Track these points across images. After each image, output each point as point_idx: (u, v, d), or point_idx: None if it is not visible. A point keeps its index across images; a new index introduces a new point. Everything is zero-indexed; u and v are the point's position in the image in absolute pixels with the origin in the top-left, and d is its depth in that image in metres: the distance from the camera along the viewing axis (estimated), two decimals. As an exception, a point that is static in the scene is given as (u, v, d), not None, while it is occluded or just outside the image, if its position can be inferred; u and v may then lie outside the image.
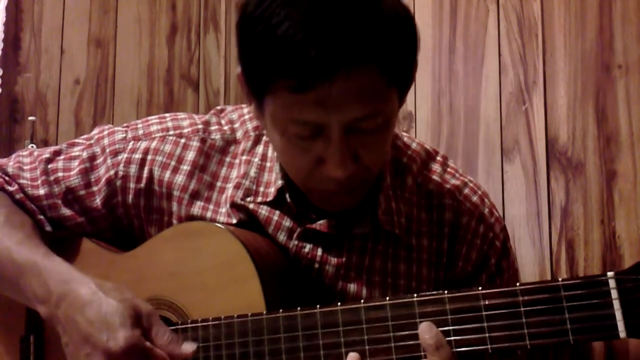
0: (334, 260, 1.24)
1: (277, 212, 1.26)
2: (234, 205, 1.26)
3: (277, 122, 1.11)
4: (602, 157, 1.82)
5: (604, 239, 1.77)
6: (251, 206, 1.25)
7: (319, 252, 1.25)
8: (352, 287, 1.24)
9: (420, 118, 2.19)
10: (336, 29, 1.01)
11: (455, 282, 1.25)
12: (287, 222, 1.25)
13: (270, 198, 1.25)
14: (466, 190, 1.30)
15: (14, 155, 1.41)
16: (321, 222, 1.24)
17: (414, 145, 1.33)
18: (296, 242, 1.25)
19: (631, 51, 1.80)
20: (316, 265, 1.24)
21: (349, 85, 1.03)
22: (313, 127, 1.08)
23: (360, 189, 1.19)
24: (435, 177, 1.30)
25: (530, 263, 1.89)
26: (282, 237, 1.25)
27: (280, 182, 1.24)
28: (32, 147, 2.39)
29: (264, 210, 1.25)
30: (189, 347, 1.13)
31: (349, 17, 1.02)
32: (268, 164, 1.28)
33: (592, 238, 1.79)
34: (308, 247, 1.25)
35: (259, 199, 1.26)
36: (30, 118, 2.42)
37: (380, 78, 1.06)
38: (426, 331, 0.99)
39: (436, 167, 1.32)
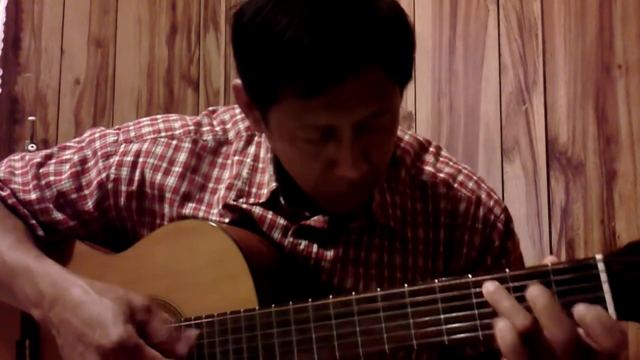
0: (329, 255, 1.24)
1: (271, 211, 1.25)
2: (226, 206, 1.26)
3: (285, 131, 1.11)
4: (602, 157, 1.82)
5: (604, 239, 1.77)
6: (244, 206, 1.25)
7: (315, 248, 1.24)
8: (349, 281, 1.23)
9: (420, 118, 2.19)
10: (341, 32, 1.02)
11: (462, 271, 1.24)
12: (281, 220, 1.25)
13: (263, 199, 1.25)
14: (460, 177, 1.29)
15: (5, 160, 1.40)
16: (316, 218, 1.23)
17: (406, 138, 1.32)
18: (291, 240, 1.24)
19: (631, 51, 1.80)
20: (312, 262, 1.24)
21: (358, 85, 1.03)
22: (324, 130, 1.08)
23: (369, 188, 1.19)
24: (428, 168, 1.30)
25: (530, 263, 1.88)
26: (276, 234, 1.25)
27: (274, 185, 1.23)
28: (32, 147, 2.39)
29: (257, 210, 1.25)
30: (191, 333, 1.13)
31: (350, 20, 1.03)
32: (260, 165, 1.28)
33: (592, 238, 1.79)
34: (303, 244, 1.24)
35: (252, 200, 1.25)
36: (30, 118, 2.43)
37: (386, 76, 1.07)
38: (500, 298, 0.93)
39: (429, 157, 1.31)
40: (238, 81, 1.14)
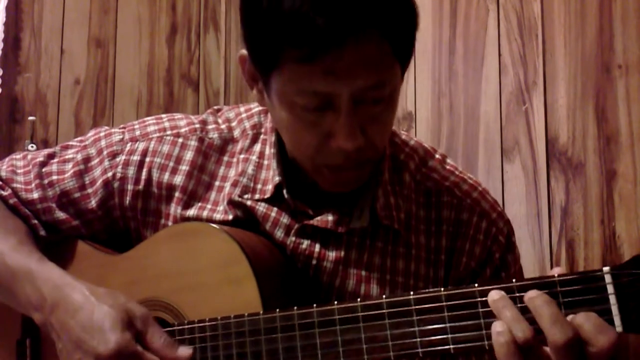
0: (332, 256, 1.24)
1: (275, 208, 1.25)
2: (231, 202, 1.26)
3: (284, 97, 1.12)
4: (602, 157, 1.82)
5: (604, 239, 1.77)
6: (249, 203, 1.25)
7: (317, 248, 1.24)
8: (351, 283, 1.23)
9: (420, 118, 2.19)
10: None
11: (461, 280, 1.25)
12: (284, 219, 1.25)
13: (267, 195, 1.25)
14: (465, 187, 1.29)
15: (7, 159, 1.40)
16: (319, 218, 1.24)
17: (411, 143, 1.33)
18: (294, 239, 1.24)
19: (631, 51, 1.80)
20: (314, 262, 1.24)
21: (357, 53, 1.05)
22: (322, 97, 1.09)
23: (366, 166, 1.19)
24: (433, 175, 1.30)
25: (530, 263, 1.89)
26: (279, 233, 1.25)
27: (277, 179, 1.24)
28: (32, 147, 2.39)
29: (261, 207, 1.25)
30: (184, 351, 1.12)
31: None
32: (265, 162, 1.28)
33: (592, 238, 1.79)
34: (306, 244, 1.24)
35: (257, 196, 1.26)
36: (30, 118, 2.43)
37: (387, 48, 1.08)
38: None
39: (434, 164, 1.31)
40: (244, 52, 1.16)
